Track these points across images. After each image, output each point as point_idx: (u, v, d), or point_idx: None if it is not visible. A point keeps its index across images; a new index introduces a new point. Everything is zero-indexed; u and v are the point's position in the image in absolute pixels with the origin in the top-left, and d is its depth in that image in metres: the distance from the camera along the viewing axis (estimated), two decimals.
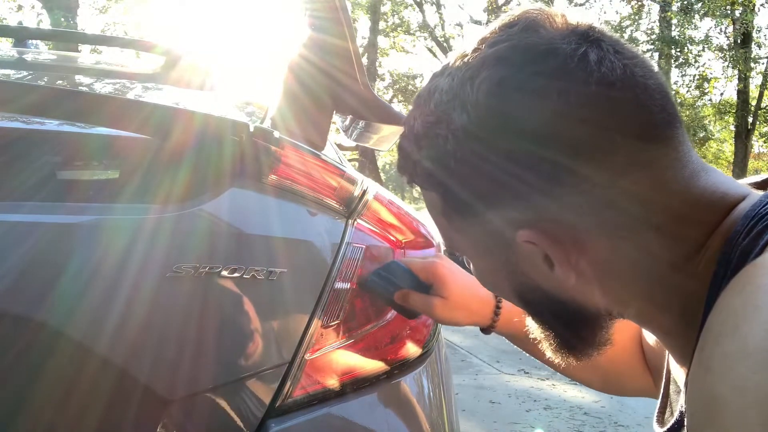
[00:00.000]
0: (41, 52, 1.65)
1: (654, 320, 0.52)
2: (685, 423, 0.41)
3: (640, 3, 15.54)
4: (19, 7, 13.65)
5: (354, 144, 0.98)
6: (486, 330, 0.87)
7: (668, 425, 0.51)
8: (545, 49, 0.46)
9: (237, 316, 0.74)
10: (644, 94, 0.45)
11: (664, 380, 0.59)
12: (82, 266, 0.68)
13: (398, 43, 17.71)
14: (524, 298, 0.56)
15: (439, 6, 17.20)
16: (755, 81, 14.97)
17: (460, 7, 36.02)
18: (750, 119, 14.43)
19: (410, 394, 0.89)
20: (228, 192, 0.75)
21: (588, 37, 0.46)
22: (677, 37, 14.01)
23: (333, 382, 0.80)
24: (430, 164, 0.51)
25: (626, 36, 14.36)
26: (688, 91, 15.46)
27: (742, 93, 14.48)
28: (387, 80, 17.32)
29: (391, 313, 0.87)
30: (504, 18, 0.50)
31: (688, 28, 14.06)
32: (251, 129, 0.74)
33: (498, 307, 0.84)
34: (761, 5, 14.48)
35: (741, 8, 13.76)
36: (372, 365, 0.84)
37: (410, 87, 17.03)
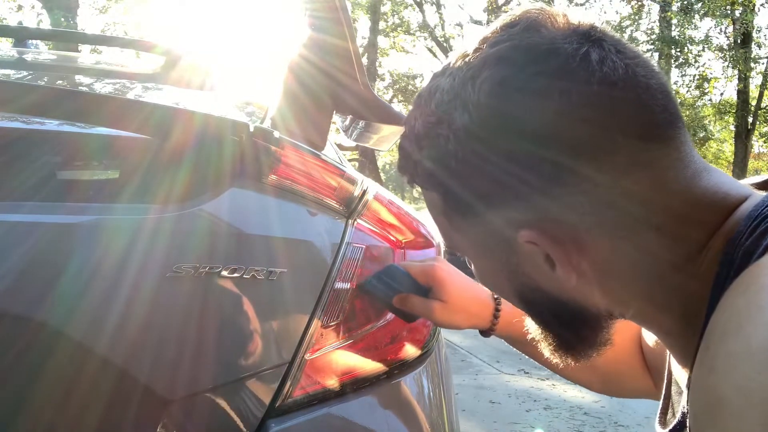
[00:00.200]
0: (41, 52, 1.65)
1: (655, 321, 0.51)
2: (688, 424, 0.41)
3: (640, 3, 15.54)
4: (19, 7, 13.66)
5: (354, 144, 0.98)
6: (485, 333, 0.86)
7: (670, 426, 0.51)
8: (547, 49, 0.45)
9: (237, 316, 0.73)
10: (646, 94, 0.45)
11: (665, 381, 0.59)
12: (82, 266, 0.68)
13: (398, 43, 17.71)
14: (525, 298, 0.55)
15: (439, 6, 17.21)
16: (755, 81, 14.98)
17: (460, 7, 36.07)
18: (750, 119, 14.43)
19: (410, 394, 0.89)
20: (228, 192, 0.75)
21: (590, 36, 0.46)
22: (677, 37, 14.00)
23: (333, 382, 0.80)
24: (430, 164, 0.51)
25: (626, 36, 14.35)
26: (688, 91, 15.46)
27: (742, 93, 14.48)
28: (387, 80, 17.32)
29: (391, 314, 0.87)
30: (505, 18, 0.50)
31: (688, 28, 14.06)
32: (251, 129, 0.73)
33: (497, 310, 0.84)
34: (761, 5, 14.49)
35: (741, 8, 13.76)
36: (372, 365, 0.84)
37: (410, 87, 17.03)
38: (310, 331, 0.77)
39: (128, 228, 0.70)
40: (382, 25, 16.40)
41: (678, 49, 14.30)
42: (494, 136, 0.47)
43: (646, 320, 0.52)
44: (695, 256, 0.45)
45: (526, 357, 0.87)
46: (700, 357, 0.40)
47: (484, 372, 4.34)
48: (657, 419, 0.58)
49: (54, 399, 0.69)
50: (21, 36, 1.70)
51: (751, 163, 16.54)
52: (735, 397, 0.33)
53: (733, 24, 14.15)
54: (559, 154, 0.45)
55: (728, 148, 17.96)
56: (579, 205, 0.46)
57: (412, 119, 0.53)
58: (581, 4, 15.64)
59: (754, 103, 14.70)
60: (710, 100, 16.24)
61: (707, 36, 14.84)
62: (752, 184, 0.51)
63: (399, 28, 17.35)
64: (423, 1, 16.71)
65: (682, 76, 15.28)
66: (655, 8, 15.29)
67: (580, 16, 0.49)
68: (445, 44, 16.67)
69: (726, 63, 14.74)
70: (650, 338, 0.75)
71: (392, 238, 0.89)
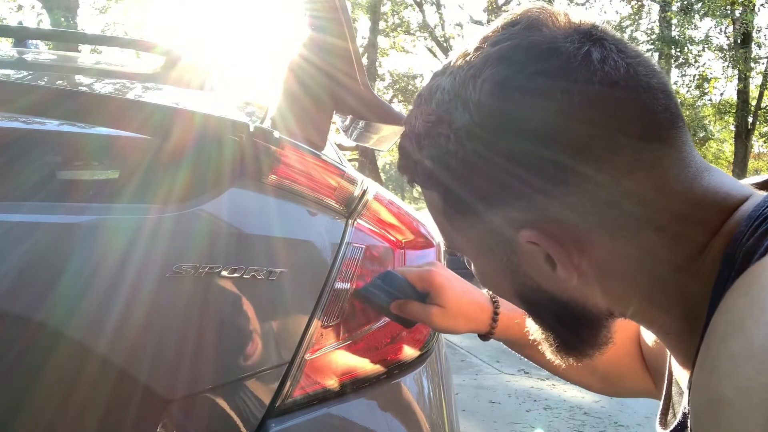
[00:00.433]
0: (41, 52, 1.65)
1: (655, 321, 0.51)
2: (689, 424, 0.41)
3: (640, 3, 15.53)
4: (19, 7, 13.65)
5: (354, 144, 0.98)
6: (484, 337, 0.86)
7: (671, 427, 0.51)
8: (548, 48, 0.45)
9: (237, 316, 0.73)
10: (647, 94, 0.45)
11: (666, 381, 0.59)
12: (82, 266, 0.68)
13: (398, 43, 17.70)
14: (525, 298, 0.55)
15: (439, 6, 17.20)
16: (755, 81, 14.98)
17: (460, 7, 36.05)
18: (750, 119, 14.42)
19: (410, 394, 0.88)
20: (228, 192, 0.75)
21: (591, 35, 0.46)
22: (677, 37, 14.00)
23: (333, 383, 0.80)
24: (431, 164, 0.51)
25: (626, 36, 14.34)
26: (688, 91, 15.45)
27: (742, 93, 14.47)
28: (387, 80, 17.31)
29: None
30: (506, 17, 0.50)
31: (688, 28, 14.05)
32: (251, 129, 0.73)
33: (496, 314, 0.83)
34: (761, 5, 14.48)
35: (741, 8, 13.76)
36: (372, 365, 0.84)
37: (410, 87, 17.02)
38: (310, 331, 0.77)
39: (128, 228, 0.70)
40: (382, 25, 16.40)
41: (678, 49, 14.30)
42: (495, 135, 0.47)
43: (647, 320, 0.52)
44: (696, 256, 0.45)
45: None
46: (701, 357, 0.40)
47: (484, 372, 4.34)
48: (657, 420, 0.58)
49: (54, 399, 0.69)
50: (21, 36, 1.70)
51: (751, 163, 16.53)
52: (736, 398, 0.33)
53: (733, 24, 14.14)
54: (560, 154, 0.45)
55: (728, 148, 17.95)
56: (580, 205, 0.46)
57: (412, 119, 0.53)
58: (581, 4, 15.63)
59: (754, 103, 14.69)
60: (710, 100, 16.24)
61: (707, 36, 14.83)
62: (753, 184, 0.50)
63: (399, 28, 17.34)
64: (423, 1, 16.71)
65: (682, 76, 15.27)
66: (655, 8, 15.30)
67: (581, 16, 0.49)
68: (445, 44, 16.66)
69: (726, 63, 14.74)
70: (649, 338, 0.75)
71: (392, 238, 0.89)
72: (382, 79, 17.04)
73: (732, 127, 16.01)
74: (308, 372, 0.77)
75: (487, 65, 0.47)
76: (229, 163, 0.75)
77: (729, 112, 15.96)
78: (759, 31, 15.03)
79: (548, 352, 0.59)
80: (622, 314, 0.52)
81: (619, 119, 0.44)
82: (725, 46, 14.61)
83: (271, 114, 0.91)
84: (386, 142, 0.87)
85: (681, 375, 0.54)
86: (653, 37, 14.71)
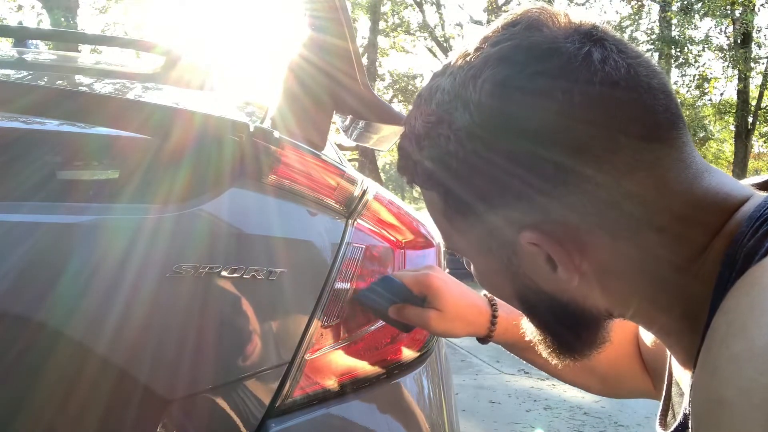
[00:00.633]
0: (41, 52, 1.65)
1: (656, 321, 0.51)
2: (690, 425, 0.41)
3: (640, 3, 15.53)
4: (19, 7, 13.65)
5: (354, 144, 0.98)
6: (483, 340, 0.86)
7: (671, 428, 0.51)
8: (548, 48, 0.45)
9: (237, 316, 0.73)
10: (648, 94, 0.45)
11: (665, 382, 0.59)
12: (82, 266, 0.68)
13: (398, 43, 17.69)
14: (525, 299, 0.55)
15: (439, 6, 17.19)
16: (755, 81, 14.98)
17: (460, 7, 36.00)
18: (750, 119, 14.42)
19: (410, 394, 0.88)
20: (228, 192, 0.75)
21: (591, 36, 0.46)
22: (677, 37, 14.00)
23: (333, 383, 0.80)
24: (431, 164, 0.51)
25: (626, 36, 14.34)
26: (688, 91, 15.45)
27: (742, 93, 14.47)
28: (387, 80, 17.30)
29: None
30: (506, 17, 0.50)
31: (688, 28, 14.05)
32: (251, 129, 0.73)
33: (494, 317, 0.83)
34: (761, 5, 14.48)
35: (741, 8, 13.76)
36: (372, 365, 0.84)
37: (410, 87, 17.01)
38: (310, 332, 0.77)
39: (128, 228, 0.70)
40: (382, 25, 16.39)
41: (678, 49, 14.30)
42: (495, 136, 0.46)
43: (647, 321, 0.52)
44: (697, 257, 0.45)
45: None
46: (702, 358, 0.39)
47: (484, 372, 4.34)
48: (657, 420, 0.58)
49: (54, 399, 0.69)
50: (21, 36, 1.70)
51: (751, 163, 16.53)
52: (737, 399, 0.33)
53: (733, 24, 14.14)
54: (560, 155, 0.45)
55: (728, 148, 17.95)
56: (580, 206, 0.46)
57: (412, 119, 0.53)
58: (581, 4, 15.63)
59: (754, 103, 14.69)
60: (710, 100, 16.24)
61: (707, 36, 14.83)
62: (753, 185, 0.50)
63: (399, 28, 17.34)
64: (423, 1, 16.70)
65: (682, 76, 15.28)
66: (655, 8, 15.29)
67: (581, 16, 0.49)
68: (445, 44, 16.65)
69: (726, 63, 14.74)
70: (648, 338, 0.75)
71: (392, 238, 0.89)
72: (382, 79, 17.04)
73: (732, 127, 16.01)
74: (308, 372, 0.77)
75: (487, 65, 0.47)
76: (229, 163, 0.75)
77: (729, 112, 15.96)
78: (759, 31, 15.04)
79: (545, 352, 0.59)
80: (622, 315, 0.52)
81: (619, 119, 0.44)
82: (725, 46, 14.62)
83: (271, 114, 0.91)
84: (386, 142, 0.87)
85: (681, 376, 0.54)
86: (653, 37, 14.71)
